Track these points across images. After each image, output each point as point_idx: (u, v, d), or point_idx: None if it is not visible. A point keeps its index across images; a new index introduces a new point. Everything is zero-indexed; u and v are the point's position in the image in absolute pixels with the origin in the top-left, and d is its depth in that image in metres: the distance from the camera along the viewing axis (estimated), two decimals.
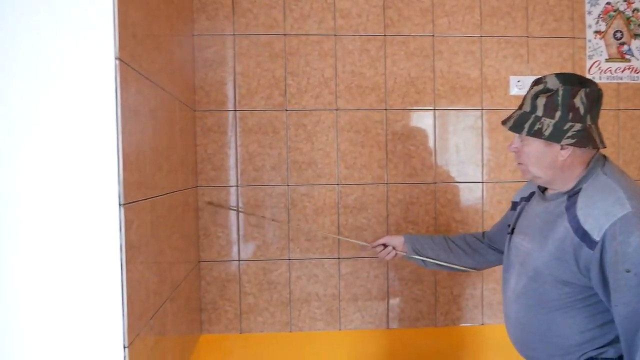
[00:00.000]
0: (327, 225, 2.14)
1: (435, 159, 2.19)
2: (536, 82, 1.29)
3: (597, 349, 1.23)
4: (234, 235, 2.12)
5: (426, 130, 2.19)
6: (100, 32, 0.95)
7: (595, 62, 2.25)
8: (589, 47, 2.26)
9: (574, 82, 1.24)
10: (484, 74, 2.20)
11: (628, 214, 1.11)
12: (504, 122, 1.35)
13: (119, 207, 0.99)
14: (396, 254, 1.72)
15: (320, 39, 2.14)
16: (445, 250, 1.67)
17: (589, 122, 1.21)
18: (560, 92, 1.21)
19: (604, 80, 2.26)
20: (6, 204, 0.96)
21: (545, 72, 2.18)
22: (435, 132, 2.19)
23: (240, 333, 2.13)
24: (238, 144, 2.11)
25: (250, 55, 2.11)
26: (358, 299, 2.18)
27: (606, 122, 2.27)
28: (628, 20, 2.27)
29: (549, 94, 1.23)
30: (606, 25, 2.26)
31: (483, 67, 2.21)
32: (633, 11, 2.27)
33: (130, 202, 1.06)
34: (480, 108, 2.21)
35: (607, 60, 2.26)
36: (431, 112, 2.19)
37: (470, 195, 2.21)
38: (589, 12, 2.25)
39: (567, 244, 1.19)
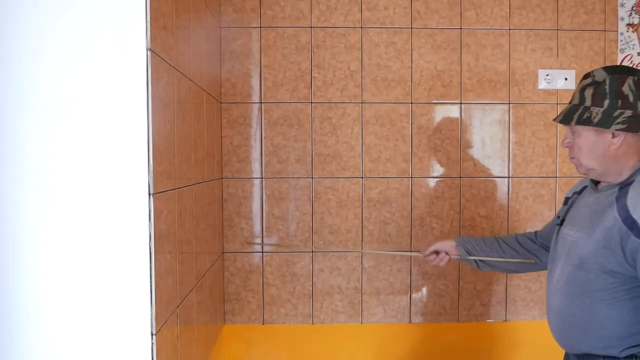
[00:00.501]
0: (351, 218, 2.14)
1: (460, 153, 2.17)
2: (584, 77, 1.29)
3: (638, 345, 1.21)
4: (257, 227, 2.13)
5: (452, 124, 2.17)
6: (132, 23, 0.97)
7: (627, 55, 2.20)
8: (621, 41, 2.20)
9: (622, 71, 1.24)
10: (512, 67, 2.17)
11: None
12: (554, 119, 1.37)
13: (149, 197, 1.00)
14: (450, 259, 1.67)
15: (346, 31, 2.13)
16: (498, 251, 1.62)
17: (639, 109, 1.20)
18: (608, 81, 1.22)
19: None
20: (40, 193, 0.98)
21: (575, 66, 2.16)
22: (461, 126, 2.17)
23: (263, 324, 2.15)
24: (263, 136, 2.12)
25: (277, 47, 2.12)
26: (380, 293, 2.17)
27: None
28: None
29: (596, 85, 1.24)
30: (639, 17, 2.20)
31: (511, 61, 2.17)
32: None
33: (159, 192, 1.07)
34: (507, 102, 2.17)
35: (639, 54, 2.20)
36: (457, 106, 2.16)
37: (495, 190, 2.19)
38: (622, 4, 2.19)
39: (614, 233, 1.17)
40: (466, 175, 2.17)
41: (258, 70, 2.11)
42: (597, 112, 1.22)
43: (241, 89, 2.11)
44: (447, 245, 1.67)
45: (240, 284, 2.14)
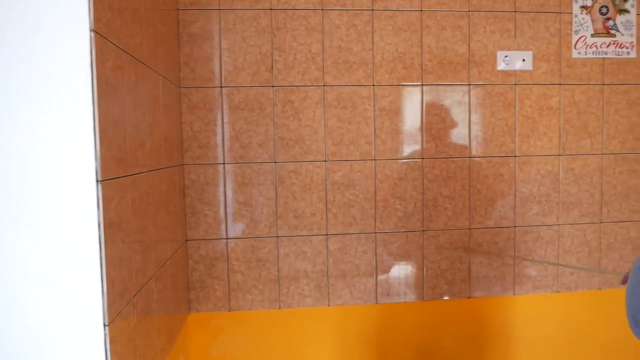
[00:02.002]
0: (315, 202, 2.14)
1: (423, 135, 2.18)
2: None
3: None
4: (222, 213, 2.11)
5: (413, 105, 2.17)
6: (73, 3, 0.93)
7: (582, 37, 2.24)
8: (576, 22, 2.24)
9: None
10: (471, 49, 2.19)
11: None
12: None
13: (97, 184, 0.97)
14: None
15: (307, 13, 2.11)
16: None
17: None
18: None
19: (589, 56, 2.25)
20: None
21: (532, 48, 2.18)
22: (423, 108, 2.18)
23: (229, 311, 2.14)
24: (224, 121, 2.09)
25: (236, 30, 2.08)
26: (346, 275, 2.18)
27: (591, 97, 2.27)
28: None
29: None
30: (592, 0, 2.24)
31: (471, 42, 2.18)
32: None
33: (109, 179, 1.04)
34: (467, 83, 2.19)
35: (592, 36, 2.25)
36: (419, 88, 2.17)
37: (457, 170, 2.21)
38: None
39: None
40: (428, 157, 2.19)
41: (218, 54, 2.07)
42: None
43: (201, 73, 2.07)
44: None
45: (204, 272, 2.12)
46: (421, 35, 2.16)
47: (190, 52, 2.05)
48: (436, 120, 2.19)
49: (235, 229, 2.12)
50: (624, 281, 1.48)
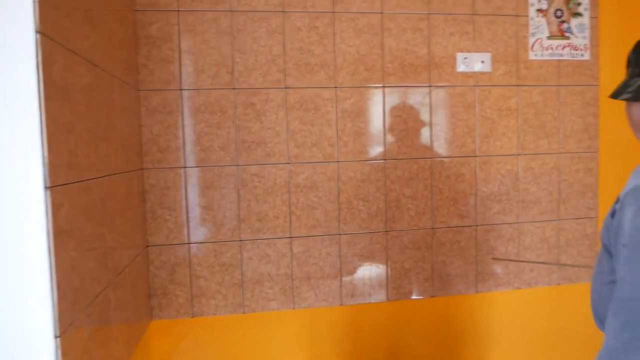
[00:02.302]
0: (278, 204, 2.12)
1: (385, 136, 2.20)
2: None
3: None
4: (183, 218, 2.07)
5: (375, 107, 2.19)
6: (17, 3, 0.89)
7: (538, 39, 2.29)
8: (532, 25, 2.29)
9: None
10: (431, 51, 2.21)
11: (637, 186, 1.02)
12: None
13: (45, 190, 0.94)
14: None
15: (267, 15, 2.09)
16: None
17: None
18: (633, 48, 1.16)
19: (545, 58, 2.30)
20: None
21: (491, 50, 2.22)
22: (385, 110, 2.19)
23: (192, 317, 2.10)
24: (185, 124, 2.06)
25: (196, 32, 2.05)
26: (311, 277, 2.18)
27: (548, 97, 2.32)
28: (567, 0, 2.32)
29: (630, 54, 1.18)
30: (548, 3, 2.30)
31: (431, 44, 2.21)
32: None
33: (58, 185, 1.01)
34: (428, 85, 2.21)
35: (548, 38, 2.30)
36: (380, 90, 2.18)
37: (419, 171, 2.23)
38: None
39: (611, 211, 1.11)
40: (391, 158, 2.20)
41: (177, 56, 2.04)
42: (621, 83, 1.17)
43: (160, 76, 2.03)
44: None
45: (166, 278, 2.08)
46: (382, 38, 2.17)
47: (148, 54, 2.01)
48: (398, 122, 2.20)
49: (197, 233, 2.08)
50: None
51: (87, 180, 1.24)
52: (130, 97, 1.85)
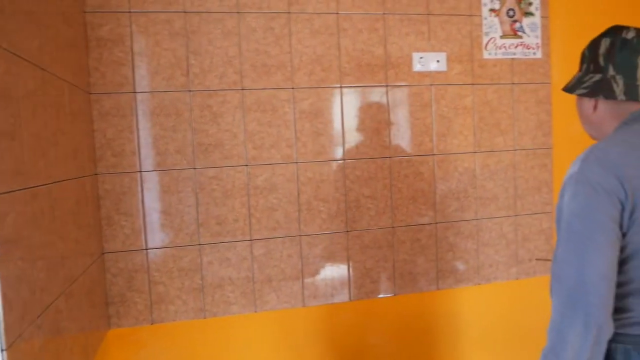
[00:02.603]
0: (238, 207, 2.10)
1: (343, 136, 2.20)
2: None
3: None
4: (140, 223, 2.03)
5: (333, 107, 2.19)
6: None
7: (491, 38, 2.34)
8: (485, 24, 2.34)
9: (606, 32, 1.21)
10: (388, 51, 2.23)
11: (572, 174, 1.12)
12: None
13: None
14: None
15: (222, 16, 2.07)
16: None
17: (611, 72, 1.18)
18: (588, 45, 1.22)
19: (499, 56, 2.35)
20: None
21: (446, 49, 2.25)
22: (343, 110, 2.20)
23: (152, 324, 2.06)
24: (139, 127, 2.01)
25: (149, 33, 2.01)
26: (272, 280, 2.16)
27: (502, 95, 2.38)
28: None
29: (585, 49, 1.24)
30: (500, 3, 2.35)
31: (387, 44, 2.23)
32: None
33: (2, 193, 0.97)
34: (385, 85, 2.23)
35: (501, 37, 2.36)
36: (338, 90, 2.19)
37: (378, 170, 2.25)
38: None
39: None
40: (350, 158, 2.21)
41: (130, 58, 2.00)
42: (574, 78, 1.24)
43: (112, 79, 1.98)
44: None
45: (124, 285, 2.03)
46: (338, 38, 2.18)
47: (99, 56, 1.96)
48: (356, 122, 2.21)
49: (155, 238, 2.04)
50: None
51: (34, 187, 1.19)
52: (81, 100, 1.80)
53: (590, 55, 1.22)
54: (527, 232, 2.47)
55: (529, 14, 2.39)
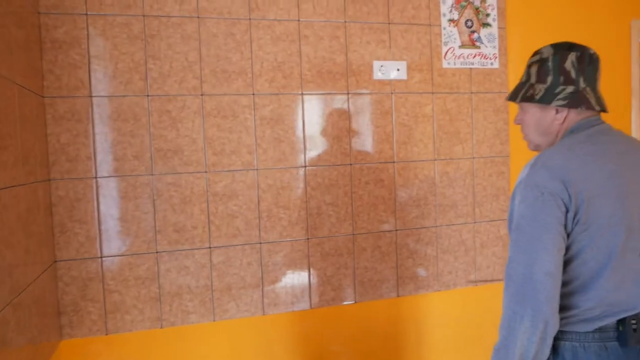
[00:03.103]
0: (197, 214, 2.07)
1: (304, 143, 2.20)
2: (533, 54, 1.32)
3: None
4: (95, 231, 1.98)
5: (294, 114, 2.19)
6: None
7: (450, 48, 2.38)
8: (444, 34, 2.38)
9: (567, 47, 1.26)
10: (349, 58, 2.24)
11: (522, 179, 1.19)
12: (506, 97, 1.40)
13: None
14: None
15: (182, 21, 2.04)
16: None
17: (582, 84, 1.24)
18: (551, 58, 1.25)
19: (458, 66, 2.40)
20: None
21: (406, 58, 2.28)
22: (304, 117, 2.20)
23: (106, 334, 2.00)
24: (95, 132, 1.97)
25: (106, 36, 1.97)
26: (232, 288, 2.14)
27: (461, 104, 2.42)
28: (477, 10, 2.43)
29: (541, 62, 1.28)
30: (459, 14, 2.40)
31: (348, 52, 2.24)
32: (481, 2, 2.43)
33: None
34: (346, 92, 2.24)
35: (460, 47, 2.40)
36: (299, 97, 2.19)
37: (339, 177, 2.25)
38: (443, 2, 2.37)
39: None
40: (311, 165, 2.21)
41: (86, 61, 1.95)
42: (540, 89, 1.26)
43: (67, 82, 1.93)
44: None
45: (77, 294, 1.97)
46: (300, 45, 2.18)
47: (54, 59, 1.91)
48: (317, 129, 2.21)
49: (111, 246, 1.99)
50: None
51: None
52: (33, 104, 1.75)
53: (556, 66, 1.25)
54: (486, 238, 2.52)
55: (486, 25, 2.45)
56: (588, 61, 1.24)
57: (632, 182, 1.19)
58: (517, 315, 1.12)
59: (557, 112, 1.26)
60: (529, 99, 1.28)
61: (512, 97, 1.34)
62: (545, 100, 1.25)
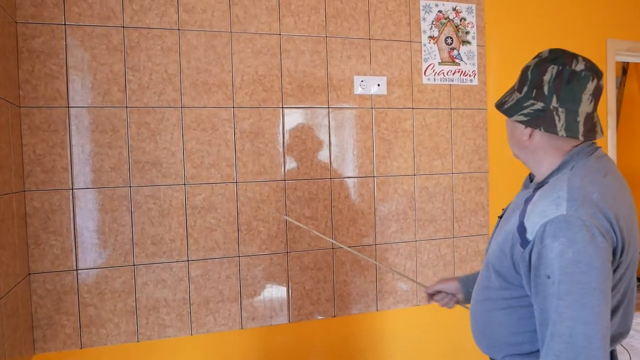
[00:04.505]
0: (175, 227, 2.05)
1: (284, 157, 2.20)
2: (535, 56, 1.17)
3: (521, 354, 1.13)
4: (71, 243, 1.95)
5: (274, 128, 2.19)
6: None
7: (430, 64, 2.41)
8: (425, 51, 2.41)
9: (551, 58, 1.11)
10: (329, 73, 2.26)
11: (560, 216, 0.99)
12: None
13: None
14: (456, 301, 1.53)
15: (162, 32, 2.04)
16: None
17: (554, 104, 1.08)
18: (532, 67, 1.12)
19: (438, 82, 2.43)
20: None
21: (387, 73, 2.30)
22: (284, 130, 2.20)
23: (81, 348, 1.97)
24: (72, 143, 1.95)
25: (85, 47, 1.96)
26: (210, 302, 2.12)
27: (441, 120, 2.44)
28: (457, 28, 2.47)
29: (525, 69, 1.15)
30: (439, 31, 2.43)
31: (329, 67, 2.26)
32: (461, 20, 2.47)
33: None
34: (327, 106, 2.25)
35: (440, 64, 2.43)
36: (279, 110, 2.19)
37: (319, 191, 2.25)
38: (424, 19, 2.40)
39: (509, 237, 1.09)
40: (290, 178, 2.21)
41: (64, 72, 1.94)
42: (513, 98, 1.14)
43: (44, 92, 1.92)
44: (453, 287, 1.51)
45: (52, 307, 1.94)
46: (280, 59, 2.19)
47: (31, 69, 1.89)
48: (297, 142, 2.22)
49: (87, 259, 1.97)
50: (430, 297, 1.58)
51: None
52: (8, 113, 1.73)
53: (533, 79, 1.11)
54: (464, 253, 2.53)
55: (466, 42, 2.48)
56: (567, 79, 1.07)
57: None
58: None
59: (525, 127, 1.13)
60: (500, 106, 1.17)
61: (497, 101, 1.21)
62: (509, 111, 1.14)
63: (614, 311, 1.06)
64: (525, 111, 1.11)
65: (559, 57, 1.10)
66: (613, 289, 1.03)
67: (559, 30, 2.69)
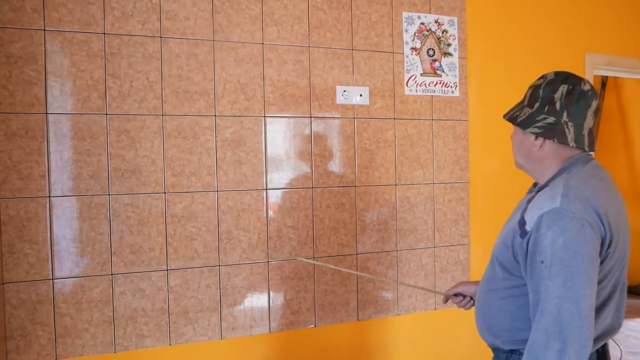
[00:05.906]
0: (154, 235, 2.03)
1: (266, 166, 2.19)
2: (539, 78, 1.32)
3: (521, 340, 1.23)
4: (47, 251, 1.92)
5: (256, 137, 2.18)
6: None
7: (412, 75, 2.43)
8: (407, 62, 2.43)
9: (561, 79, 1.26)
10: (312, 83, 2.26)
11: (554, 208, 1.13)
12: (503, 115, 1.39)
13: None
14: (473, 305, 1.59)
15: (144, 40, 2.03)
16: None
17: (565, 118, 1.23)
18: (543, 86, 1.27)
19: (420, 93, 2.45)
20: None
21: (369, 84, 2.32)
22: (266, 139, 2.20)
23: None
24: (50, 150, 1.92)
25: (64, 53, 1.94)
26: (189, 311, 2.09)
27: (422, 131, 2.46)
28: (439, 40, 2.49)
29: (536, 87, 1.29)
30: (421, 43, 2.45)
31: (311, 77, 2.26)
32: (442, 32, 2.50)
33: None
34: (309, 116, 2.26)
35: (422, 75, 2.45)
36: (261, 119, 2.19)
37: (300, 200, 2.25)
38: (406, 30, 2.42)
39: (511, 231, 1.22)
40: (272, 187, 2.20)
41: (42, 78, 1.91)
42: (525, 113, 1.28)
43: (21, 98, 1.89)
44: (472, 290, 1.60)
45: (26, 317, 1.90)
46: (263, 68, 2.19)
47: (8, 74, 1.87)
48: (279, 152, 2.21)
49: (63, 268, 1.93)
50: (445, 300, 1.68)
51: None
52: None
53: (545, 95, 1.26)
54: (445, 263, 2.54)
55: (447, 54, 2.51)
56: (577, 97, 1.24)
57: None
58: (562, 354, 1.06)
59: (535, 138, 1.27)
60: (513, 120, 1.31)
61: (506, 114, 1.36)
62: (523, 124, 1.28)
63: (605, 303, 1.20)
64: (538, 124, 1.25)
65: (568, 78, 1.26)
66: (603, 280, 1.17)
67: (539, 43, 2.73)
